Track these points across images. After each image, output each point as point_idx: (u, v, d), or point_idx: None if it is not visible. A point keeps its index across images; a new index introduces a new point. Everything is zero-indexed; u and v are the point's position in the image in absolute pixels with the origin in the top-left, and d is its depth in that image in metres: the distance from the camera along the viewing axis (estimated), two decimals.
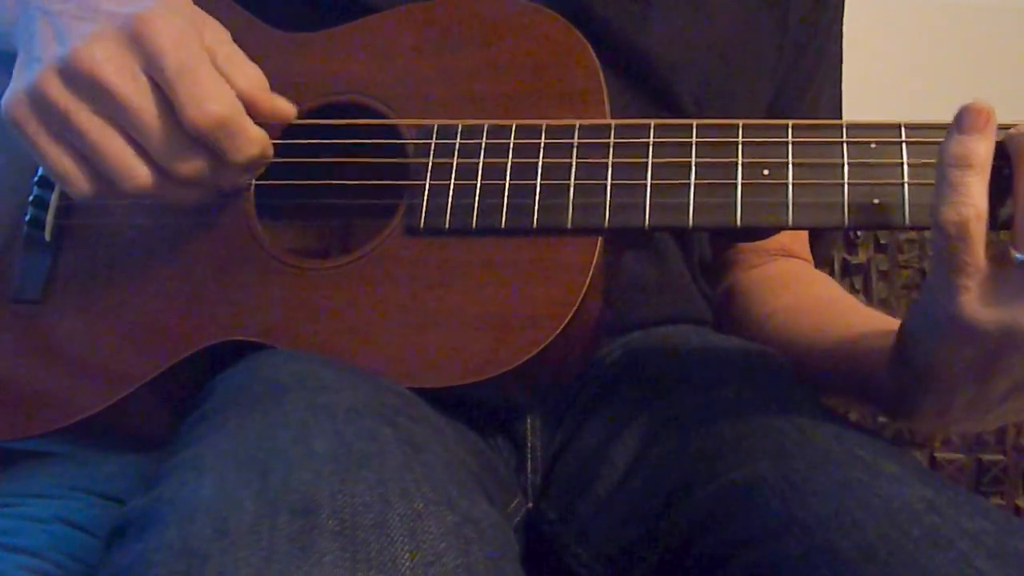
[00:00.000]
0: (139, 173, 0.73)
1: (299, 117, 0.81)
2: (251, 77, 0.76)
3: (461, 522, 0.58)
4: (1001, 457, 1.52)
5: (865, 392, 0.83)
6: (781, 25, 0.98)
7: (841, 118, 1.06)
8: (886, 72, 1.55)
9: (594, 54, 0.78)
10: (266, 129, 0.77)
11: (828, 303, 0.96)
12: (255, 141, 0.74)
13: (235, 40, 0.78)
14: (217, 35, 0.75)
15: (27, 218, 0.83)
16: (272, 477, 0.58)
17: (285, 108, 0.78)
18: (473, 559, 0.57)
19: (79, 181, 0.74)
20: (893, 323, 0.78)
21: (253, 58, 0.78)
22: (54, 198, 0.84)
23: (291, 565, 0.52)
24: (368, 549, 0.54)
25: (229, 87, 0.73)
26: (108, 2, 0.72)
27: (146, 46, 0.70)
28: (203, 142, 0.72)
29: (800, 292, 0.99)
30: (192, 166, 0.73)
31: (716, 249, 1.04)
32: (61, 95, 0.71)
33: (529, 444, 0.86)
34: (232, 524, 0.54)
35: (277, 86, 0.81)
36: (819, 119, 1.00)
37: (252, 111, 0.75)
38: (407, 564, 0.54)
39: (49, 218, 0.84)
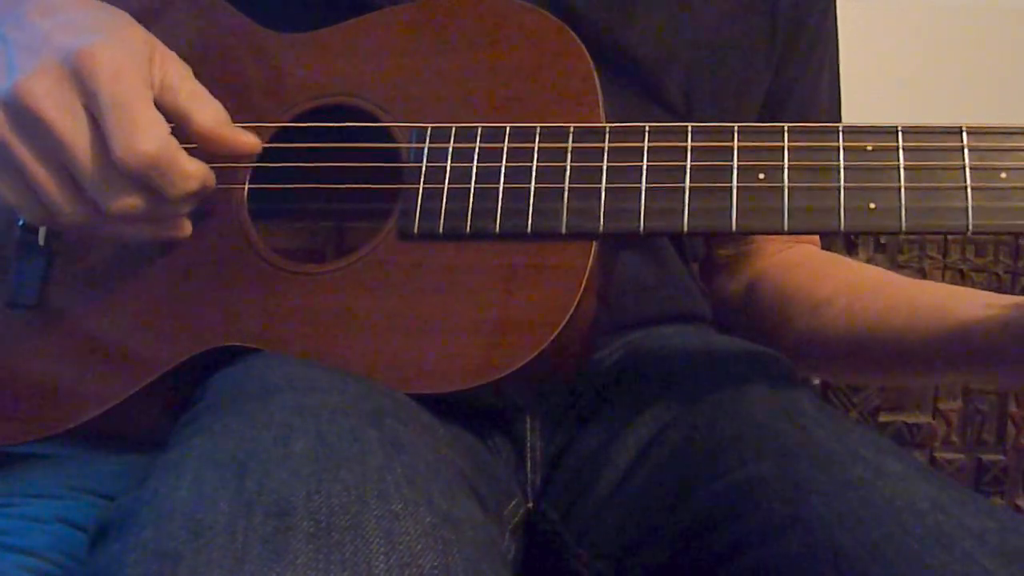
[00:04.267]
0: (72, 210, 0.72)
1: (292, 119, 0.81)
2: (213, 114, 0.75)
3: (439, 523, 0.58)
4: (1001, 457, 1.52)
5: (984, 357, 0.80)
6: (770, 13, 0.97)
7: (840, 111, 1.06)
8: (885, 73, 1.55)
9: (588, 56, 0.78)
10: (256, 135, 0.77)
11: (888, 280, 0.94)
12: (191, 176, 0.73)
13: (226, 42, 0.78)
14: (178, 71, 0.74)
15: (21, 223, 0.83)
16: (249, 478, 0.58)
17: (249, 143, 0.76)
18: (451, 560, 0.57)
19: (27, 211, 0.74)
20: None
21: (246, 60, 0.77)
22: None
23: (263, 566, 0.53)
24: (342, 550, 0.54)
25: (164, 123, 0.71)
26: (60, 34, 0.72)
27: (85, 81, 0.70)
28: (136, 179, 0.71)
29: (851, 273, 0.97)
30: (127, 203, 0.72)
31: (724, 242, 1.03)
32: (3, 128, 0.71)
33: (528, 444, 0.86)
34: (206, 525, 0.55)
35: (270, 88, 0.81)
36: (817, 118, 1.01)
37: (214, 147, 0.75)
38: (382, 566, 0.54)
39: None
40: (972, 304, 0.81)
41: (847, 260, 1.00)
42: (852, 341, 0.89)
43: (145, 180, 0.71)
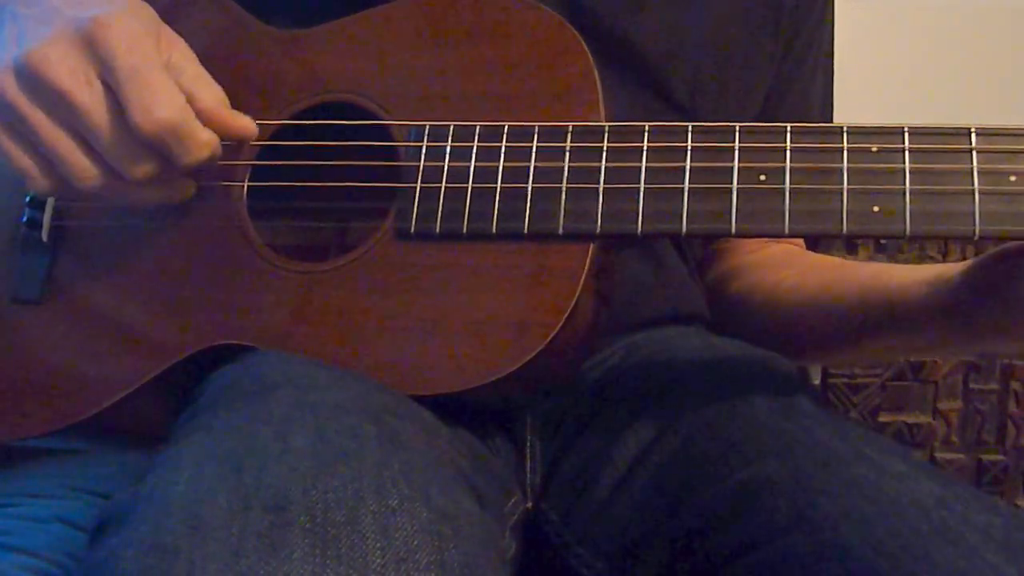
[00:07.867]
0: (89, 175, 0.74)
1: (292, 117, 0.81)
2: (215, 95, 0.76)
3: (436, 519, 0.58)
4: (1001, 457, 1.52)
5: (903, 320, 0.82)
6: (775, 13, 0.97)
7: (832, 113, 1.06)
8: (886, 73, 1.55)
9: (589, 53, 0.77)
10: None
11: (838, 263, 0.98)
12: (205, 145, 0.74)
13: (227, 39, 0.78)
14: (183, 52, 0.76)
15: (24, 219, 0.84)
16: (247, 473, 0.58)
17: (246, 126, 0.78)
18: (447, 556, 0.57)
19: (38, 179, 0.75)
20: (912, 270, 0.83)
21: (246, 57, 0.78)
22: (50, 199, 0.84)
23: (260, 560, 0.53)
24: (338, 545, 0.54)
25: (179, 91, 0.73)
26: (71, 7, 0.73)
27: (100, 49, 0.71)
28: (153, 145, 0.72)
29: (808, 259, 1.00)
30: (142, 168, 0.73)
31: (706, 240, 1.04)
32: (16, 96, 0.72)
33: (529, 444, 0.86)
34: (204, 519, 0.55)
35: (270, 86, 0.81)
36: (813, 117, 1.01)
37: (214, 128, 0.76)
38: (378, 561, 0.54)
39: (46, 219, 0.84)
40: (907, 270, 0.84)
41: (809, 252, 1.02)
42: (798, 312, 0.92)
43: (160, 147, 0.72)
